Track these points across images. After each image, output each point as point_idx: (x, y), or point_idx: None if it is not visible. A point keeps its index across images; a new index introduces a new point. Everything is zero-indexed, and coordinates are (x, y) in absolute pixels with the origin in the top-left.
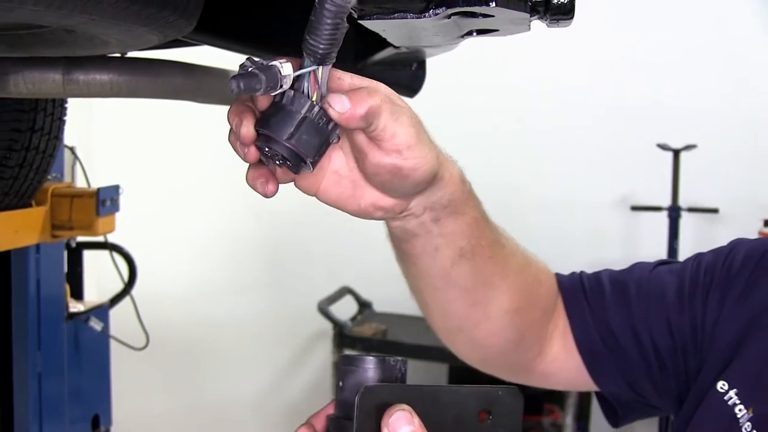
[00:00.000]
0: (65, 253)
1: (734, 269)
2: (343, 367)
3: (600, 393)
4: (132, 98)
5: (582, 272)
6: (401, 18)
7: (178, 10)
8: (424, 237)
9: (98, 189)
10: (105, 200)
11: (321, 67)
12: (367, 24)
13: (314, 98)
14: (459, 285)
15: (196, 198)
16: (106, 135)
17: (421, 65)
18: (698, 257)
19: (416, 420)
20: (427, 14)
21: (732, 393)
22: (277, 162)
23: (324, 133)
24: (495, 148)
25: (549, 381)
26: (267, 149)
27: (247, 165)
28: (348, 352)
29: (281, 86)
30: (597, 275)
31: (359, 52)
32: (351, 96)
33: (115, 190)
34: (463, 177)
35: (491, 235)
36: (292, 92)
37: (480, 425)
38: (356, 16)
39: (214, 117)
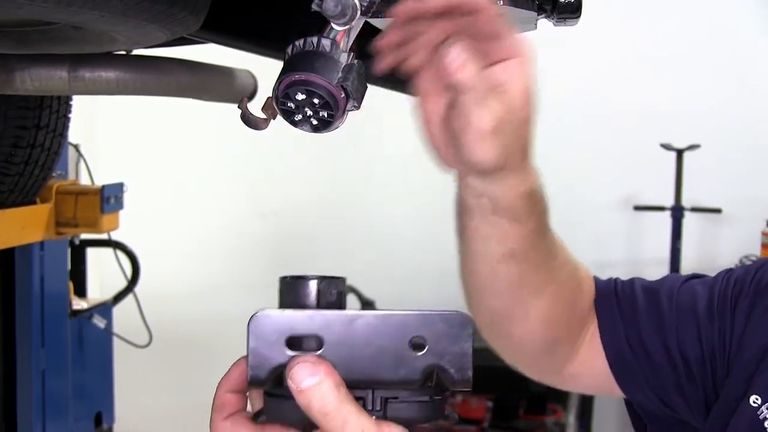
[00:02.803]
0: (69, 251)
1: (764, 282)
2: (280, 288)
3: (629, 403)
4: (137, 95)
5: (617, 279)
6: None
7: (187, 6)
8: (479, 221)
9: (102, 186)
10: (109, 198)
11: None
12: (374, 21)
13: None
14: (503, 281)
15: (200, 195)
16: (111, 132)
17: None
18: (729, 272)
19: (323, 368)
20: None
21: (764, 408)
22: (307, 112)
23: (364, 84)
24: None
25: (576, 384)
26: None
27: (247, 162)
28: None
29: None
30: (630, 282)
31: (364, 50)
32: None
33: (119, 187)
34: (532, 191)
35: (546, 247)
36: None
37: (411, 357)
38: (367, 16)
39: (219, 115)
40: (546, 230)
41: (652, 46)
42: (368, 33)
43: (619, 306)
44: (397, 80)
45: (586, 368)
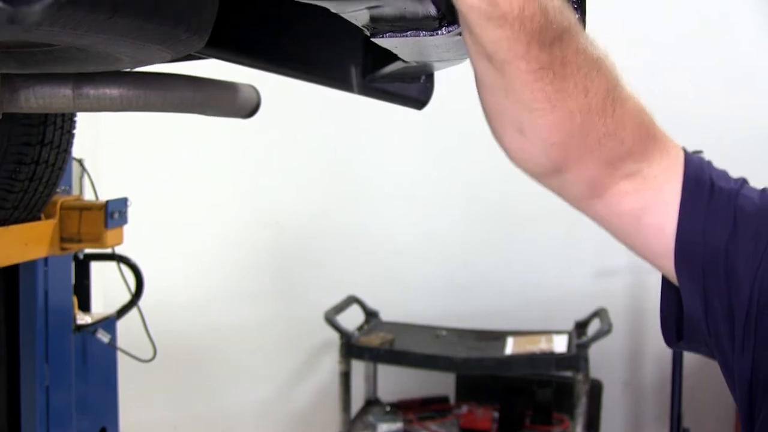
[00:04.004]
0: (73, 265)
1: None
2: None
3: (666, 299)
4: (142, 112)
5: (710, 162)
6: (414, 36)
7: (192, 27)
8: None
9: (107, 202)
10: (113, 213)
11: None
12: (379, 41)
13: None
14: (487, 87)
15: (203, 207)
16: (114, 146)
17: (430, 78)
18: None
19: None
20: (440, 32)
21: None
22: None
23: None
24: (501, 155)
25: (606, 226)
26: None
27: (249, 173)
28: (355, 362)
29: None
30: (728, 180)
31: (367, 65)
32: None
33: (123, 202)
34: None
35: (540, 64)
36: None
37: None
38: (368, 34)
39: (222, 128)
40: (544, 41)
41: (653, 51)
42: (376, 46)
43: (713, 198)
44: (400, 96)
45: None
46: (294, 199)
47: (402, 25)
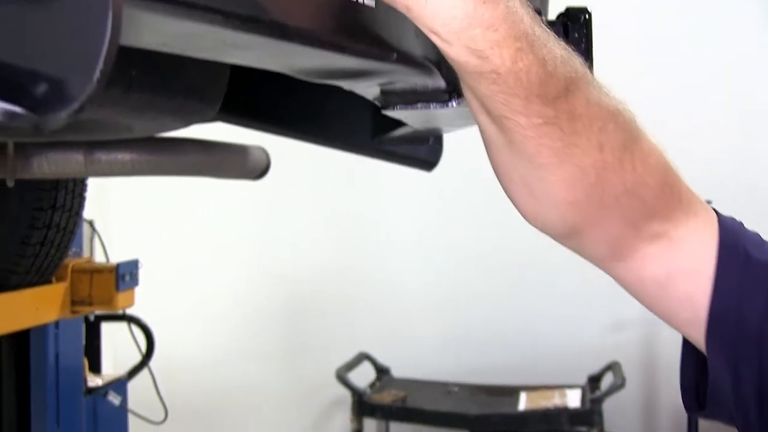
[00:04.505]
0: (83, 327)
1: None
2: None
3: (687, 365)
4: (153, 176)
5: (742, 224)
6: (424, 108)
7: (204, 98)
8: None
9: (117, 264)
10: (124, 275)
11: None
12: (390, 113)
13: None
14: (490, 143)
15: (212, 265)
16: (123, 205)
17: (438, 139)
18: None
19: None
20: (450, 104)
21: None
22: None
23: None
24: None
25: (628, 289)
26: None
27: (258, 230)
28: (368, 420)
29: None
30: (763, 245)
31: (377, 128)
32: None
33: (134, 264)
34: (483, 54)
35: (544, 119)
36: None
37: None
38: (379, 106)
39: (231, 185)
40: (548, 96)
41: (660, 106)
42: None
43: (749, 269)
44: (409, 158)
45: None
46: (303, 254)
47: (412, 97)
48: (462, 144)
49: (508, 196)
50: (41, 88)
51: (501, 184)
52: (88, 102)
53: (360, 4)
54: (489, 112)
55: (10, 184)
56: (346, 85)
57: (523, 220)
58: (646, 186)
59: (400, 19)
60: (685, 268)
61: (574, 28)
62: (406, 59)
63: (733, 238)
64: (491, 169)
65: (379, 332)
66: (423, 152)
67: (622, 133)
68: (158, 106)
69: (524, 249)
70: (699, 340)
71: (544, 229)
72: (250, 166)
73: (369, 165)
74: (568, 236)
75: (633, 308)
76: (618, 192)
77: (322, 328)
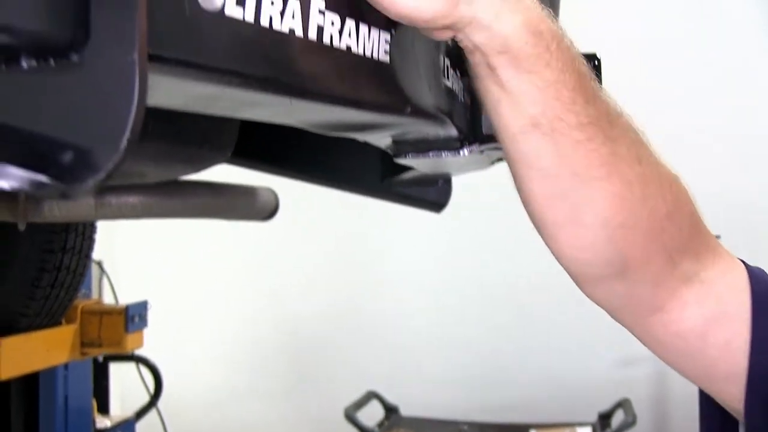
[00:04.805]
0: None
1: None
2: None
3: (710, 425)
4: (162, 218)
5: (764, 272)
6: (436, 156)
7: (215, 146)
8: (484, 82)
9: (127, 306)
10: (134, 317)
11: None
12: (401, 161)
13: None
14: (532, 163)
15: (219, 305)
16: (131, 245)
17: (447, 181)
18: None
19: None
20: (462, 151)
21: None
22: None
23: None
24: (516, 241)
25: (664, 352)
26: None
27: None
28: None
29: None
30: None
31: (386, 170)
32: None
33: (143, 306)
34: (537, 28)
35: (587, 118)
36: None
37: None
38: (391, 154)
39: (238, 225)
40: (585, 90)
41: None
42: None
43: None
44: (418, 199)
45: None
46: (310, 292)
47: (424, 146)
48: (470, 181)
49: (545, 233)
50: (67, 157)
51: (536, 219)
52: (115, 170)
53: (375, 60)
54: (537, 121)
55: (22, 227)
56: (359, 137)
57: (527, 253)
58: (682, 212)
59: (414, 72)
60: (719, 314)
61: None
62: (419, 112)
63: (764, 286)
64: (495, 203)
65: (388, 370)
66: (432, 194)
67: (651, 150)
68: (172, 154)
69: (533, 285)
70: (736, 395)
71: (583, 265)
72: (259, 208)
73: (375, 201)
74: (612, 274)
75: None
76: (662, 214)
77: (329, 365)
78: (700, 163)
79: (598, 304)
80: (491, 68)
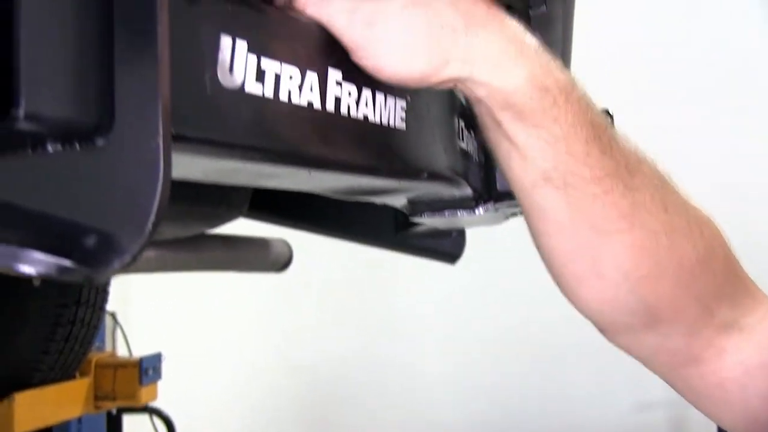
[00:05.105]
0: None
1: None
2: None
3: None
4: (176, 272)
5: None
6: (451, 215)
7: (231, 204)
8: (492, 134)
9: (141, 359)
10: (148, 369)
11: None
12: (416, 220)
13: None
14: (548, 217)
15: (234, 355)
16: (144, 296)
17: (461, 232)
18: None
19: None
20: (477, 210)
21: None
22: None
23: None
24: (531, 287)
25: (701, 402)
26: None
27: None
28: None
29: None
30: None
31: (399, 223)
32: None
33: (157, 358)
34: (543, 82)
35: (603, 170)
36: None
37: None
38: (407, 213)
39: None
40: (603, 145)
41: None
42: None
43: None
44: (432, 251)
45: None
46: (323, 341)
47: (440, 205)
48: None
49: (565, 287)
50: (91, 241)
51: (555, 274)
52: (140, 253)
53: (392, 128)
54: (549, 175)
55: (36, 283)
56: (376, 200)
57: (542, 298)
58: (715, 258)
59: (430, 137)
60: (760, 362)
61: None
62: (435, 176)
63: None
64: (514, 250)
65: (403, 417)
66: (446, 245)
67: (679, 195)
68: (189, 214)
69: (549, 331)
70: None
71: (609, 319)
72: (273, 260)
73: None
74: (640, 326)
75: (657, 388)
76: (692, 261)
77: (343, 413)
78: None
79: (628, 353)
80: (497, 122)
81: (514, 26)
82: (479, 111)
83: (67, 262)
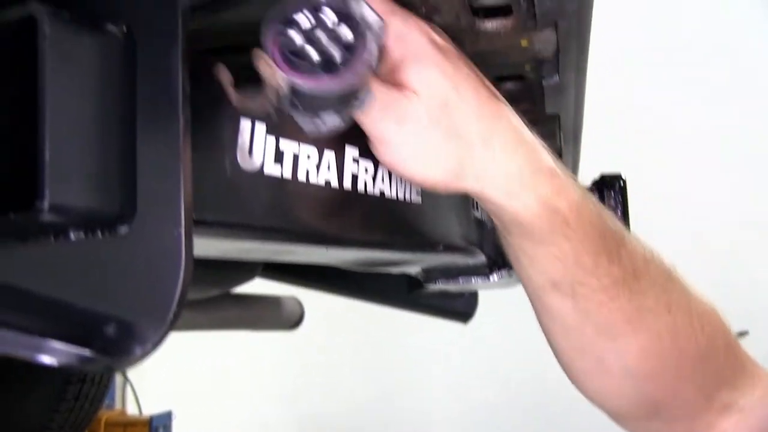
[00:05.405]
0: None
1: None
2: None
3: None
4: (188, 332)
5: None
6: (465, 282)
7: (245, 269)
8: (505, 241)
9: (151, 417)
10: (158, 427)
11: None
12: (431, 287)
13: None
14: (554, 318)
15: (245, 409)
16: (153, 353)
17: (474, 292)
18: None
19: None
20: (491, 277)
21: None
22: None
23: None
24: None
25: None
26: None
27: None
28: None
29: None
30: None
31: (413, 282)
32: None
33: (167, 416)
34: (553, 204)
35: (610, 279)
36: None
37: None
38: (421, 280)
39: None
40: (611, 255)
41: (700, 232)
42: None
43: None
44: (445, 310)
45: None
46: (332, 395)
47: (454, 272)
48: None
49: (573, 380)
50: (111, 330)
51: (564, 366)
52: (161, 341)
53: (407, 202)
54: (557, 283)
55: None
56: (392, 271)
57: (547, 356)
58: (717, 350)
59: (445, 209)
60: None
61: (610, 195)
62: (450, 248)
63: None
64: (516, 307)
65: None
66: (459, 305)
67: (682, 293)
68: (203, 279)
69: (562, 391)
70: None
71: (615, 408)
72: (284, 318)
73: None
74: (645, 415)
75: None
76: (694, 358)
77: None
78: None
79: None
80: (505, 230)
81: (532, 142)
82: (490, 213)
83: (87, 352)
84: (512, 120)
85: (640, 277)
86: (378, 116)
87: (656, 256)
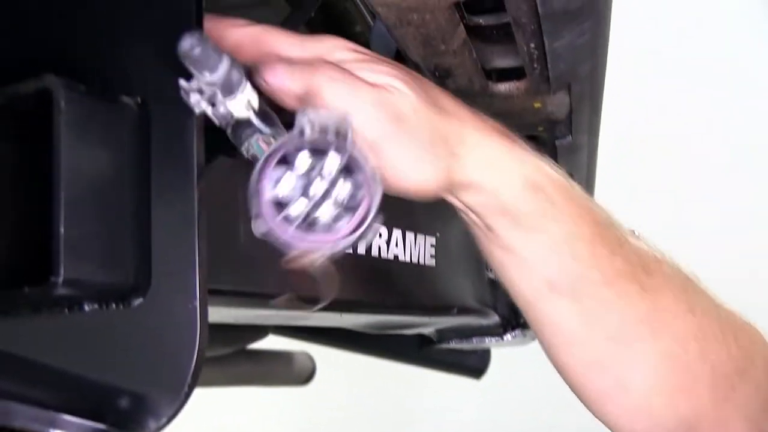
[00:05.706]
0: None
1: None
2: None
3: None
4: (201, 388)
5: None
6: (479, 342)
7: (256, 328)
8: (486, 246)
9: None
10: None
11: None
12: (444, 346)
13: None
14: (557, 330)
15: None
16: None
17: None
18: None
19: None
20: (505, 337)
21: None
22: None
23: None
24: (547, 387)
25: None
26: None
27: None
28: None
29: None
30: None
31: (424, 337)
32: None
33: None
34: (536, 181)
35: (614, 272)
36: None
37: None
38: (435, 340)
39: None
40: (612, 245)
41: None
42: None
43: None
44: (458, 366)
45: None
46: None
47: (468, 332)
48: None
49: (590, 404)
50: (125, 403)
51: (576, 390)
52: (176, 416)
53: (421, 265)
54: (558, 283)
55: None
56: (406, 333)
57: (561, 395)
58: (755, 366)
59: (459, 271)
60: None
61: None
62: (464, 310)
63: None
64: (539, 356)
65: None
66: (472, 360)
67: (707, 298)
68: (213, 339)
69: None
70: None
71: None
72: (296, 374)
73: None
74: None
75: None
76: (729, 370)
77: None
78: None
79: None
80: (490, 230)
81: (503, 129)
82: (470, 220)
83: (101, 426)
84: (473, 114)
85: (652, 273)
86: (375, 114)
87: (670, 259)
